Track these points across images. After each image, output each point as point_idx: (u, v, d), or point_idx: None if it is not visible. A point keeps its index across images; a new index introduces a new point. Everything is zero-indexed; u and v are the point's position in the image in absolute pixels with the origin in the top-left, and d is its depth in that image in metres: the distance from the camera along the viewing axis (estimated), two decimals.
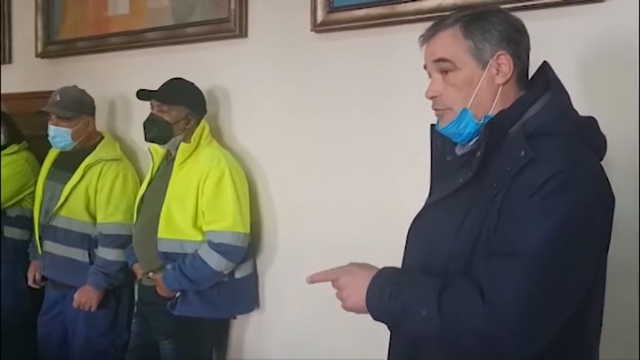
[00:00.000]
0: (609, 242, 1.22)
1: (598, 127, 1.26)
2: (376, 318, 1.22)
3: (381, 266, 1.29)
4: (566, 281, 1.09)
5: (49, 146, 2.75)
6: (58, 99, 2.64)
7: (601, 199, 1.15)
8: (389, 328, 1.28)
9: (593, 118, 1.26)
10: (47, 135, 2.67)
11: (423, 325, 1.13)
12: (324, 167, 2.32)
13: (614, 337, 1.68)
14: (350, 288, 1.24)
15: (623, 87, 1.72)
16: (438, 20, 1.29)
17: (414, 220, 1.37)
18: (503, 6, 1.77)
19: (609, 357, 1.65)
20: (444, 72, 1.25)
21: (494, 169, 1.18)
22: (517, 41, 1.24)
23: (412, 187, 1.60)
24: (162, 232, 2.30)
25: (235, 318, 2.54)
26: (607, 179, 1.18)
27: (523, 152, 1.13)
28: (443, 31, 1.25)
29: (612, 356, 1.66)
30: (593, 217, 1.12)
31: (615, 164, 1.53)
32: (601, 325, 1.27)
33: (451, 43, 1.24)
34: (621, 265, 1.67)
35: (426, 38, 1.28)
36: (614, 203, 1.19)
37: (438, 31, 1.26)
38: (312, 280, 1.31)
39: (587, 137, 1.21)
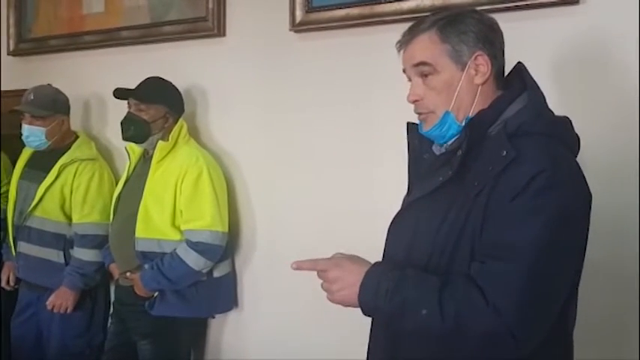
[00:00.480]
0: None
1: (572, 126, 1.29)
2: (367, 313, 1.22)
3: None
4: (558, 277, 1.13)
5: (23, 145, 2.71)
6: (32, 98, 2.60)
7: (582, 195, 1.19)
8: (378, 321, 1.27)
9: (567, 117, 1.29)
10: (21, 134, 2.63)
11: (424, 324, 1.14)
12: (303, 166, 2.34)
13: (615, 337, 1.73)
14: (340, 282, 1.23)
15: (596, 87, 1.77)
16: (414, 24, 1.30)
17: (393, 219, 1.38)
18: (480, 7, 1.80)
19: (610, 357, 1.70)
20: (424, 76, 1.27)
21: (476, 168, 1.20)
22: (492, 41, 1.27)
23: (391, 186, 1.61)
24: (140, 232, 2.28)
25: (214, 317, 2.54)
26: (584, 176, 1.21)
27: (505, 152, 1.16)
28: (420, 35, 1.27)
29: (613, 356, 1.71)
30: (578, 214, 1.16)
31: (589, 163, 1.57)
32: (576, 315, 1.31)
33: (429, 47, 1.25)
34: (621, 264, 1.72)
35: (403, 43, 1.30)
36: (591, 200, 1.22)
37: (414, 35, 1.28)
38: (299, 266, 1.28)
39: (564, 137, 1.24)
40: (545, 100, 1.27)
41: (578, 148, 1.30)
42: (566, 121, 1.28)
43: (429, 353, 1.22)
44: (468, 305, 1.11)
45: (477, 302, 1.10)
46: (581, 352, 1.70)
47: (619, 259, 1.73)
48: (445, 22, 1.25)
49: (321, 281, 1.27)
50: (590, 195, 1.21)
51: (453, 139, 1.28)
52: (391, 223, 1.39)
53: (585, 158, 1.44)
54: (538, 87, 1.27)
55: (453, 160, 1.23)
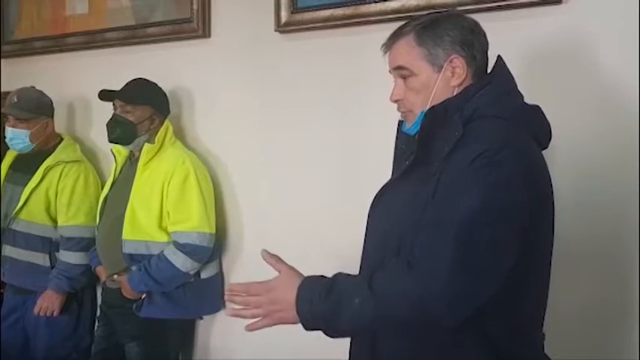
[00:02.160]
0: (548, 224, 1.28)
1: (542, 114, 1.34)
2: (307, 325, 1.20)
3: (354, 270, 1.32)
4: (491, 251, 1.13)
5: (7, 148, 2.69)
6: (16, 100, 2.58)
7: (528, 176, 1.19)
8: (325, 333, 1.23)
9: (537, 106, 1.34)
10: (4, 137, 2.61)
11: (358, 312, 1.14)
12: (289, 167, 2.34)
13: (614, 337, 1.75)
14: (278, 304, 1.22)
15: (579, 85, 1.80)
16: (397, 29, 1.37)
17: (371, 203, 1.43)
18: (463, 7, 1.82)
19: (609, 357, 1.72)
20: (404, 77, 1.34)
21: (435, 150, 1.25)
22: (471, 43, 1.31)
23: (378, 186, 1.62)
24: (127, 234, 2.28)
25: (202, 318, 2.53)
26: (539, 162, 1.25)
27: (457, 133, 1.22)
28: (399, 39, 1.34)
29: (612, 356, 1.73)
30: (519, 192, 1.17)
31: (566, 157, 1.59)
32: (546, 305, 1.33)
33: (406, 51, 1.32)
34: (621, 265, 1.74)
35: (386, 47, 1.37)
36: (547, 185, 1.26)
37: (395, 40, 1.35)
38: (230, 289, 1.29)
39: (525, 121, 1.28)
40: (510, 87, 1.32)
41: (548, 136, 1.35)
42: (533, 109, 1.34)
43: (405, 348, 1.25)
44: (393, 279, 1.15)
45: (400, 273, 1.14)
46: (581, 352, 1.72)
47: (619, 259, 1.75)
48: (422, 27, 1.32)
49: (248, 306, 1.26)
50: (543, 179, 1.25)
51: None
52: (370, 207, 1.43)
53: (573, 154, 1.48)
54: (506, 74, 1.32)
55: (413, 143, 1.30)
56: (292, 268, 1.28)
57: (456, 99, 1.29)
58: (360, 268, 1.41)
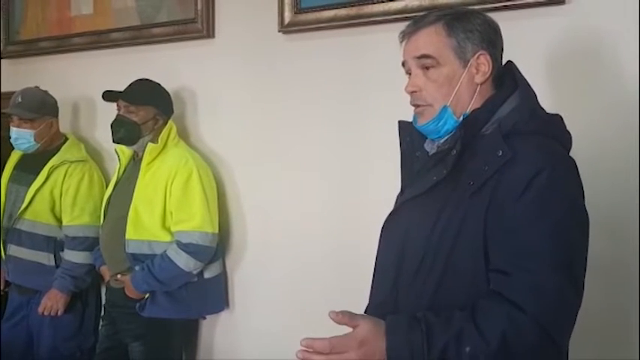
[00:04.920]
0: None
1: (564, 123, 1.31)
2: None
3: (354, 268, 1.30)
4: (581, 275, 1.15)
5: (12, 148, 2.70)
6: (20, 100, 2.59)
7: (582, 190, 1.21)
8: None
9: (559, 115, 1.31)
10: (9, 137, 2.62)
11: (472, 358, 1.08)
12: (292, 167, 2.34)
13: (615, 337, 1.74)
14: (369, 356, 1.09)
15: (583, 85, 1.80)
16: (419, 17, 1.30)
17: (387, 219, 1.37)
18: (471, 7, 1.82)
19: (609, 357, 1.72)
20: (425, 68, 1.27)
21: (470, 167, 1.20)
22: (495, 43, 1.28)
23: (383, 187, 1.62)
24: (130, 234, 2.28)
25: (205, 318, 2.54)
26: (579, 172, 1.23)
27: (501, 152, 1.16)
28: (426, 27, 1.27)
29: (612, 356, 1.72)
30: (582, 208, 1.18)
31: (579, 160, 1.58)
32: None
33: (435, 39, 1.25)
34: (621, 264, 1.73)
35: (407, 34, 1.30)
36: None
37: (420, 27, 1.27)
38: (308, 345, 1.11)
39: (557, 134, 1.26)
40: (536, 98, 1.29)
41: (571, 145, 1.32)
42: (558, 119, 1.30)
43: None
44: (509, 324, 1.08)
45: (517, 319, 1.08)
46: (581, 353, 1.71)
47: (619, 259, 1.75)
48: (453, 17, 1.27)
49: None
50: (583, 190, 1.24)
51: (446, 137, 1.28)
52: (384, 223, 1.37)
53: (576, 155, 1.46)
54: (529, 85, 1.29)
55: (447, 159, 1.23)
56: (367, 316, 1.16)
57: (483, 110, 1.25)
58: (373, 282, 1.38)
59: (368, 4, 2.09)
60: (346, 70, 2.20)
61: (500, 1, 1.85)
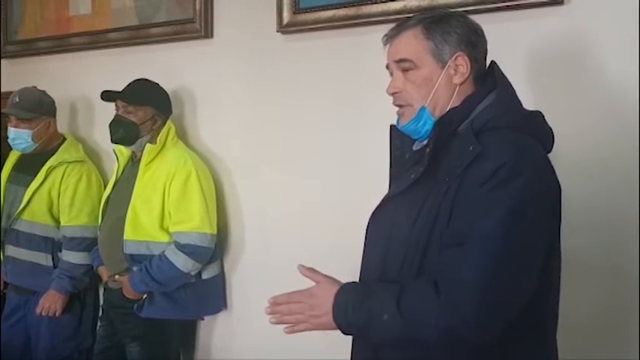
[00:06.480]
0: (559, 230, 1.28)
1: (544, 120, 1.32)
2: (345, 332, 1.26)
3: (353, 269, 1.32)
4: (519, 267, 1.14)
5: (9, 149, 2.70)
6: (17, 100, 2.59)
7: (546, 186, 1.20)
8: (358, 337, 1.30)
9: (539, 112, 1.32)
10: (7, 137, 2.62)
11: (386, 329, 1.16)
12: (291, 167, 2.34)
13: (615, 337, 1.74)
14: (317, 309, 1.26)
15: (580, 86, 1.80)
16: (402, 21, 1.34)
17: (371, 215, 1.41)
18: (465, 8, 1.82)
19: (609, 357, 1.71)
20: (405, 70, 1.31)
21: (446, 164, 1.23)
22: (475, 44, 1.31)
23: (378, 186, 1.62)
24: (129, 234, 2.28)
25: (203, 319, 2.53)
26: (552, 168, 1.24)
27: (471, 147, 1.19)
28: (406, 31, 1.31)
29: (612, 356, 1.72)
30: (541, 204, 1.17)
31: (566, 158, 1.59)
32: (557, 312, 1.32)
33: (413, 43, 1.30)
34: (621, 265, 1.73)
35: (390, 38, 1.34)
36: (560, 192, 1.25)
37: (400, 31, 1.32)
38: (275, 301, 1.31)
39: (533, 130, 1.27)
40: (514, 96, 1.31)
41: (552, 142, 1.33)
42: (537, 115, 1.32)
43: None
44: (421, 303, 1.14)
45: (428, 298, 1.13)
46: (582, 353, 1.72)
47: (619, 259, 1.75)
48: (431, 21, 1.30)
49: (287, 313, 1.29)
50: (557, 186, 1.24)
51: (427, 137, 1.31)
52: (369, 219, 1.42)
53: (574, 156, 1.47)
54: (508, 84, 1.31)
55: (422, 157, 1.27)
56: (330, 277, 1.30)
57: (460, 108, 1.28)
58: (360, 279, 1.40)
59: (367, 4, 2.09)
60: (345, 70, 2.20)
61: (497, 2, 1.84)
